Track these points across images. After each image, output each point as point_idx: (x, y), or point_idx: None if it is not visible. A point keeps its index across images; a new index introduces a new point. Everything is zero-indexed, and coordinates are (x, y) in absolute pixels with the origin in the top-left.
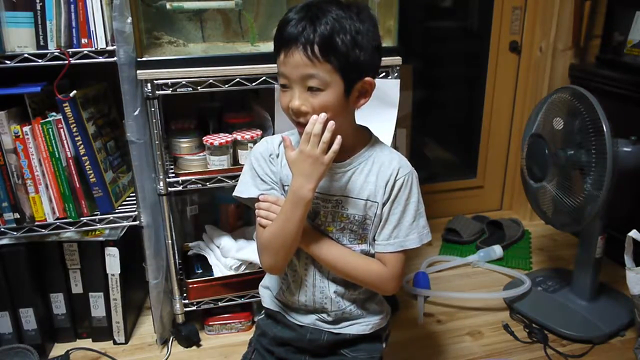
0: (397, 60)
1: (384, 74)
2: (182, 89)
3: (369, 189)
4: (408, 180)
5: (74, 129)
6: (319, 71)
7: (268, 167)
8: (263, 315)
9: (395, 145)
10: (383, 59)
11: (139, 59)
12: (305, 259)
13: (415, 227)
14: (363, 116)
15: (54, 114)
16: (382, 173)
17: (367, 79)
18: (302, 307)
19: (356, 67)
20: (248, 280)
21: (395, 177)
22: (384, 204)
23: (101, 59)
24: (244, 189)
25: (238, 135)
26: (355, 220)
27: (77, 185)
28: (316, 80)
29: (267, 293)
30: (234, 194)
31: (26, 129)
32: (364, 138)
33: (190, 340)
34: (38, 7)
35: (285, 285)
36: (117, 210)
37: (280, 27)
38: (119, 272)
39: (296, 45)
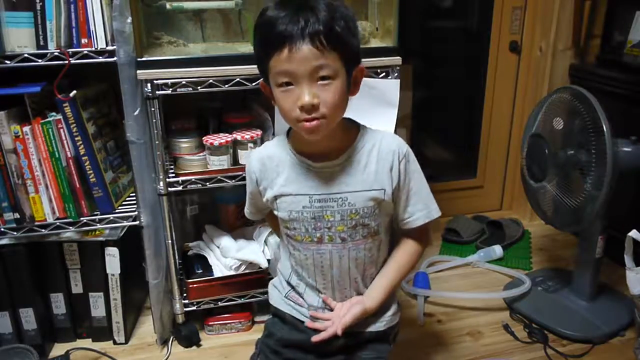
0: (397, 60)
1: (383, 74)
2: (182, 89)
3: (370, 179)
4: (409, 157)
5: (74, 129)
6: (329, 60)
7: (256, 187)
8: (270, 316)
9: None
10: (383, 59)
11: (139, 59)
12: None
13: (431, 197)
14: (363, 116)
15: (54, 114)
16: (382, 160)
17: (360, 66)
18: (321, 287)
19: (353, 53)
20: (248, 280)
21: (399, 160)
22: (394, 188)
23: (101, 59)
24: (248, 212)
25: (238, 135)
26: (366, 213)
27: (77, 185)
28: (327, 69)
29: (275, 292)
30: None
31: (26, 129)
32: (353, 130)
33: (190, 340)
34: (38, 7)
35: (300, 270)
36: (117, 210)
37: (273, 25)
38: (119, 272)
39: (302, 38)
